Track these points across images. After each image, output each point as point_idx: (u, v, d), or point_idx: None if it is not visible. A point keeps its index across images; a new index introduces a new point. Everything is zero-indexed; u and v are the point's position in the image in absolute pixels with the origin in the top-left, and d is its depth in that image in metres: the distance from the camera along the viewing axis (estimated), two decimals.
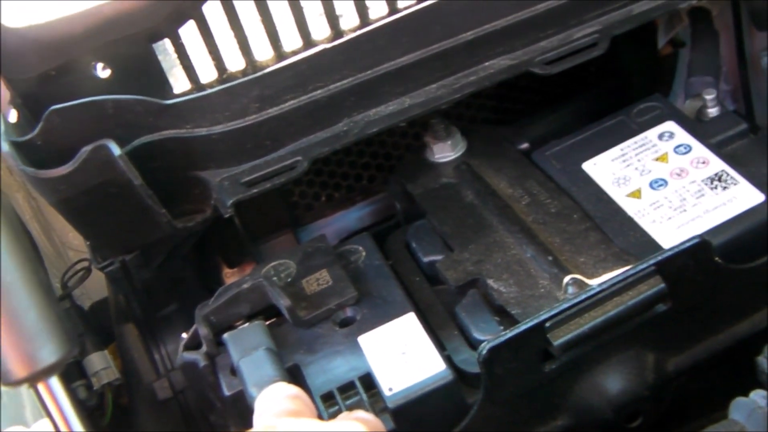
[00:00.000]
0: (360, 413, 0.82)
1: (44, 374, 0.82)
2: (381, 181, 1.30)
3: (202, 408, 1.06)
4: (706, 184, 1.03)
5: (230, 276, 1.26)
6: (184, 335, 1.00)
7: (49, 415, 0.84)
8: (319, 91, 1.04)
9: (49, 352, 0.81)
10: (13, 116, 1.02)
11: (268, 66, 1.05)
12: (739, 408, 0.86)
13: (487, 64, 1.09)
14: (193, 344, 0.98)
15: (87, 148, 0.96)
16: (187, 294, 1.16)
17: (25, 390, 1.03)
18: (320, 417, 0.88)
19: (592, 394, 0.93)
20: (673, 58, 1.37)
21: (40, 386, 0.83)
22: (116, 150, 0.96)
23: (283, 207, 1.27)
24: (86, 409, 1.02)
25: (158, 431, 1.12)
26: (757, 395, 0.86)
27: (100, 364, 1.12)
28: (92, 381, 1.12)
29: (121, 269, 1.10)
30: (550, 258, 0.99)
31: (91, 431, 0.86)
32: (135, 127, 1.01)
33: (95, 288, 1.31)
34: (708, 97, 1.16)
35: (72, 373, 1.11)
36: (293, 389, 0.82)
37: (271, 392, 0.82)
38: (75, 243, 1.41)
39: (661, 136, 1.11)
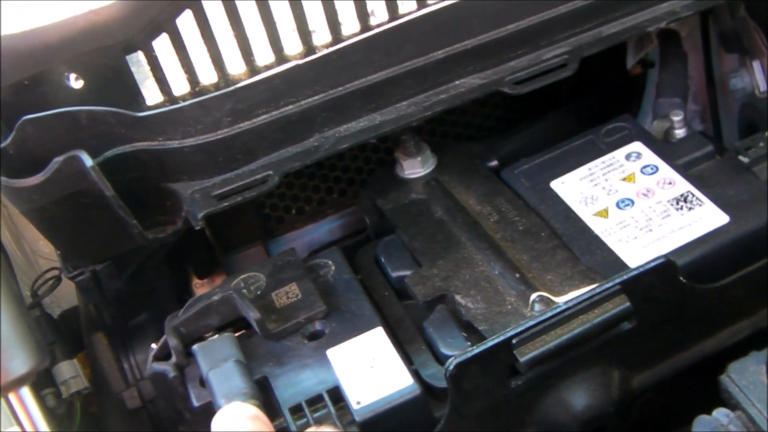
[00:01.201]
0: (326, 428, 0.83)
1: (15, 384, 0.83)
2: (352, 195, 1.31)
3: (172, 418, 1.06)
4: (671, 205, 1.04)
5: (200, 287, 1.27)
6: (154, 346, 1.00)
7: (19, 424, 0.85)
8: (291, 107, 1.05)
9: (20, 363, 0.82)
10: None
11: (241, 80, 1.06)
12: (703, 425, 0.87)
13: (458, 82, 1.09)
14: (163, 355, 0.99)
15: (59, 159, 0.96)
16: (157, 304, 1.17)
17: None
18: (287, 431, 0.89)
19: (558, 410, 0.94)
20: (643, 77, 1.39)
21: (11, 396, 0.84)
22: (88, 161, 0.97)
23: (255, 219, 1.28)
24: (55, 418, 1.02)
25: None
26: (719, 413, 0.87)
27: (69, 373, 1.12)
28: (61, 389, 1.12)
29: (92, 279, 1.10)
30: (517, 275, 1.00)
31: None
32: (108, 138, 1.02)
33: (65, 296, 1.31)
34: (675, 118, 1.17)
35: (41, 381, 1.11)
36: (252, 410, 0.82)
37: (230, 413, 0.82)
38: (45, 251, 1.41)
39: (628, 157, 1.12)
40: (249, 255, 1.29)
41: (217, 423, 0.80)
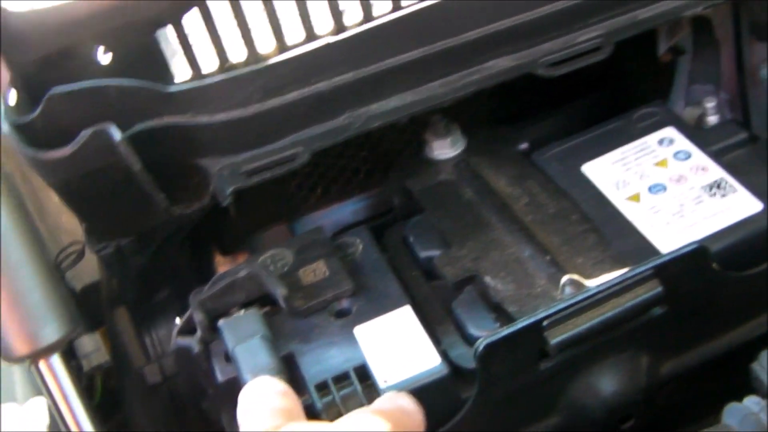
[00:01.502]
0: (382, 403, 0.82)
1: (46, 352, 0.82)
2: (378, 177, 1.30)
3: (193, 394, 1.05)
4: (704, 191, 1.03)
5: (223, 265, 1.26)
6: (178, 320, 1.00)
7: (49, 392, 0.84)
8: (321, 84, 1.04)
9: (52, 331, 0.82)
10: (12, 98, 1.01)
11: (271, 58, 1.05)
12: (733, 413, 0.86)
13: (490, 63, 1.08)
14: (188, 329, 0.98)
15: (87, 132, 0.96)
16: (180, 281, 1.16)
17: (17, 367, 1.02)
18: (312, 407, 0.88)
19: (585, 395, 0.93)
20: (673, 65, 1.37)
21: (41, 364, 0.83)
22: (117, 134, 0.96)
23: (279, 198, 1.27)
24: (85, 393, 1.02)
25: (147, 415, 1.12)
26: (750, 401, 0.86)
27: (91, 347, 1.11)
28: (82, 363, 1.11)
29: (116, 253, 1.09)
30: (547, 258, 0.99)
31: (90, 411, 0.86)
32: (136, 112, 1.01)
33: (87, 271, 1.31)
34: (708, 105, 1.16)
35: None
36: (282, 385, 0.81)
37: (259, 387, 0.81)
38: (68, 226, 1.40)
39: (661, 142, 1.11)
40: (273, 234, 1.28)
41: (245, 396, 0.80)
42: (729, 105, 1.42)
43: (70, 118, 0.98)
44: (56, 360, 0.84)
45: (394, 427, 0.74)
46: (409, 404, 0.81)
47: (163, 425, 1.13)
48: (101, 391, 1.12)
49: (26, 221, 0.86)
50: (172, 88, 1.02)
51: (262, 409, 0.77)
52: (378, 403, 0.82)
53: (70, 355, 1.10)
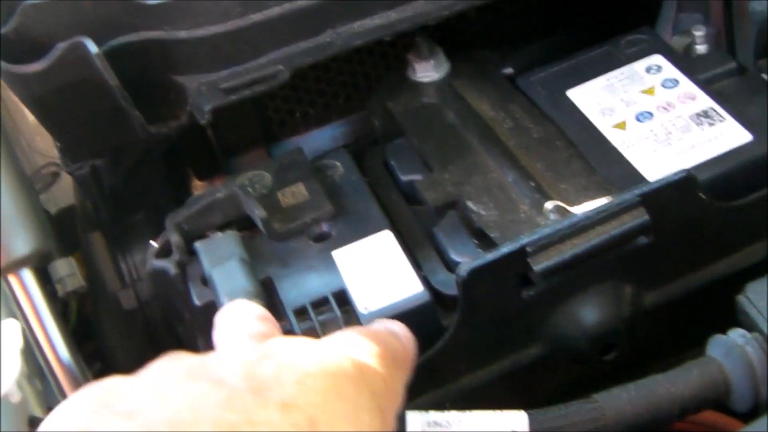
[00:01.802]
0: (374, 325, 0.81)
1: (17, 265, 0.80)
2: (357, 101, 1.27)
3: (169, 319, 1.04)
4: (692, 120, 1.02)
5: (200, 188, 1.24)
6: (153, 243, 0.98)
7: (21, 311, 0.83)
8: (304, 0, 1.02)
9: (23, 243, 0.80)
10: None
11: None
12: (717, 345, 0.85)
13: None
14: (164, 252, 0.96)
15: (63, 45, 0.93)
16: (155, 203, 1.14)
17: None
18: (291, 333, 0.87)
19: (568, 324, 0.91)
20: None
21: (13, 280, 0.81)
22: (93, 48, 0.94)
23: (257, 121, 1.25)
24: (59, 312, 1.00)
25: (121, 341, 1.10)
26: (735, 333, 0.85)
27: (65, 271, 1.09)
28: (56, 288, 1.10)
29: (91, 173, 1.07)
30: (531, 183, 0.98)
31: (65, 331, 0.84)
32: (113, 26, 0.99)
33: (62, 194, 1.29)
34: (697, 33, 1.14)
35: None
36: (260, 308, 0.79)
37: (236, 310, 0.79)
38: (42, 147, 1.38)
39: (648, 69, 1.09)
40: (251, 158, 1.26)
41: (221, 319, 0.77)
42: (714, 39, 1.40)
43: (44, 32, 0.96)
44: (28, 276, 0.82)
45: (383, 351, 0.72)
46: (401, 330, 0.79)
47: (137, 351, 1.11)
48: (76, 317, 1.11)
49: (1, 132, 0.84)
50: (150, 2, 1.00)
51: (240, 333, 0.74)
52: (369, 325, 0.81)
53: (44, 279, 1.09)
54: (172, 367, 0.64)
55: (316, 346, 0.69)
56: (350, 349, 0.71)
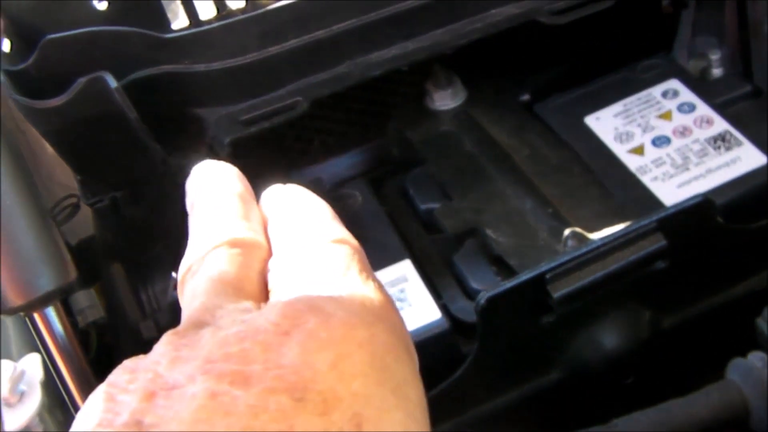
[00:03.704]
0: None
1: (42, 303, 0.81)
2: (376, 130, 1.28)
3: None
4: (709, 144, 1.02)
5: None
6: (174, 274, 0.98)
7: (44, 346, 0.83)
8: (321, 32, 1.02)
9: (47, 281, 0.80)
10: (6, 45, 1.00)
11: (269, 4, 1.04)
12: (737, 369, 0.86)
13: (494, 11, 1.07)
14: None
15: (82, 80, 0.94)
16: (175, 234, 1.14)
17: (11, 324, 1.01)
18: None
19: (587, 349, 0.91)
20: (676, 17, 1.36)
21: (36, 316, 0.82)
22: (112, 82, 0.95)
23: (277, 152, 1.26)
24: (80, 346, 1.01)
25: None
26: (755, 356, 0.85)
27: (86, 302, 1.11)
28: (77, 319, 1.10)
29: (111, 206, 1.08)
30: (549, 210, 0.98)
31: (85, 363, 0.85)
32: (132, 60, 1.00)
33: (82, 226, 1.29)
34: (713, 57, 1.15)
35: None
36: (236, 178, 0.64)
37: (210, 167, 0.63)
38: (62, 178, 1.39)
39: (665, 94, 1.09)
40: None
41: (197, 208, 0.62)
42: (730, 59, 1.40)
43: (65, 66, 0.97)
44: (51, 312, 0.82)
45: (372, 278, 0.54)
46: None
47: None
48: (96, 347, 1.11)
49: (21, 169, 0.84)
50: (169, 36, 1.00)
51: (218, 243, 0.56)
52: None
53: (65, 311, 1.10)
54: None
55: (337, 308, 0.49)
56: (364, 298, 0.51)
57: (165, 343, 0.48)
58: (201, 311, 0.50)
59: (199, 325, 0.48)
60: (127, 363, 0.47)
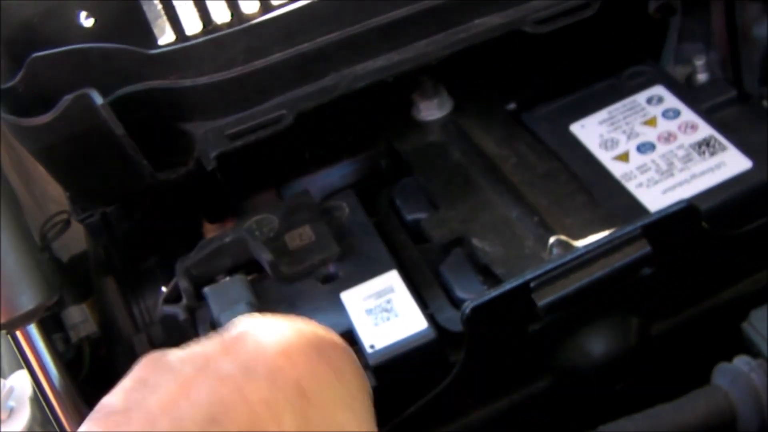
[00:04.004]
0: None
1: (23, 320, 0.81)
2: (365, 140, 1.28)
3: None
4: (694, 149, 1.02)
5: (211, 231, 1.25)
6: (164, 288, 0.99)
7: (26, 363, 0.84)
8: (306, 44, 1.03)
9: (28, 298, 0.80)
10: None
11: (254, 18, 1.04)
12: (723, 373, 0.86)
13: (478, 21, 1.08)
14: (173, 297, 0.97)
15: (69, 97, 0.95)
16: (166, 248, 1.15)
17: (3, 340, 1.02)
18: None
19: (575, 356, 0.92)
20: (663, 23, 1.36)
21: (18, 334, 0.82)
22: (99, 99, 0.95)
23: (266, 163, 1.26)
24: (64, 362, 1.01)
25: None
26: (741, 361, 0.86)
27: (78, 317, 1.11)
28: (70, 334, 1.11)
29: (102, 221, 1.09)
30: (536, 219, 0.98)
31: (68, 379, 0.85)
32: (119, 76, 1.00)
33: (74, 241, 1.30)
34: (698, 63, 1.15)
35: (50, 325, 1.10)
36: None
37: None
38: (54, 194, 1.39)
39: (649, 100, 1.10)
40: (261, 200, 1.27)
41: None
42: (720, 65, 1.41)
43: (51, 83, 0.98)
44: (33, 330, 0.83)
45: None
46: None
47: None
48: (90, 362, 1.12)
49: (2, 188, 0.85)
50: (155, 51, 1.01)
51: None
52: None
53: (57, 326, 1.10)
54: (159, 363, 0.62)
55: (288, 320, 0.66)
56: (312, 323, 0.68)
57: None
58: None
59: None
60: None
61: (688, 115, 1.06)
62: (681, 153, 1.02)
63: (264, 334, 0.63)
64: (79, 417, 0.95)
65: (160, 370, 0.61)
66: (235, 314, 0.89)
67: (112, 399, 0.60)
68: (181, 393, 0.58)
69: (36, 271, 0.82)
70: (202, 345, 0.63)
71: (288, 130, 1.04)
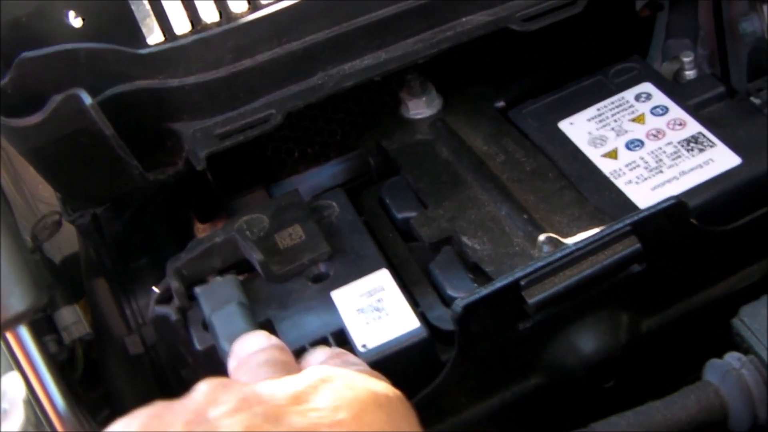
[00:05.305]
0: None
1: (12, 322, 0.81)
2: (355, 138, 1.29)
3: (174, 363, 1.05)
4: (682, 146, 1.02)
5: (201, 231, 1.25)
6: (155, 289, 0.99)
7: (17, 365, 0.83)
8: (294, 43, 1.03)
9: (17, 300, 0.80)
10: None
11: (243, 17, 1.04)
12: (714, 369, 0.86)
13: (464, 19, 1.08)
14: (165, 298, 0.97)
15: (57, 97, 0.95)
16: (158, 248, 1.15)
17: None
18: None
19: (565, 354, 0.92)
20: (651, 20, 1.37)
21: (9, 336, 0.82)
22: (87, 99, 0.95)
23: (256, 162, 1.26)
24: (57, 363, 1.01)
25: (129, 386, 1.11)
26: (731, 357, 0.86)
27: (71, 319, 1.11)
28: (63, 335, 1.11)
29: (92, 222, 1.09)
30: (525, 216, 0.98)
31: (61, 381, 0.85)
32: (107, 76, 1.00)
33: (67, 242, 1.30)
34: (686, 59, 1.15)
35: (42, 327, 1.10)
36: (275, 339, 0.78)
37: (254, 340, 0.77)
38: (45, 195, 1.39)
39: (638, 97, 1.10)
40: (252, 199, 1.27)
41: (240, 349, 0.77)
42: (708, 61, 1.41)
43: (40, 83, 0.97)
44: (24, 332, 0.83)
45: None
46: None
47: (146, 395, 1.12)
48: (83, 363, 1.12)
49: None
50: (143, 51, 1.01)
51: (262, 362, 0.73)
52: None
53: (50, 328, 1.10)
54: (221, 395, 0.62)
55: (357, 375, 0.68)
56: (380, 377, 0.71)
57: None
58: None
59: None
60: None
61: (676, 111, 1.07)
62: (670, 150, 1.02)
63: (335, 387, 0.65)
64: (72, 418, 0.95)
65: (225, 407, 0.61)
66: (226, 314, 0.89)
67: None
68: None
69: (26, 272, 0.82)
70: (276, 388, 0.64)
71: (277, 129, 1.04)
